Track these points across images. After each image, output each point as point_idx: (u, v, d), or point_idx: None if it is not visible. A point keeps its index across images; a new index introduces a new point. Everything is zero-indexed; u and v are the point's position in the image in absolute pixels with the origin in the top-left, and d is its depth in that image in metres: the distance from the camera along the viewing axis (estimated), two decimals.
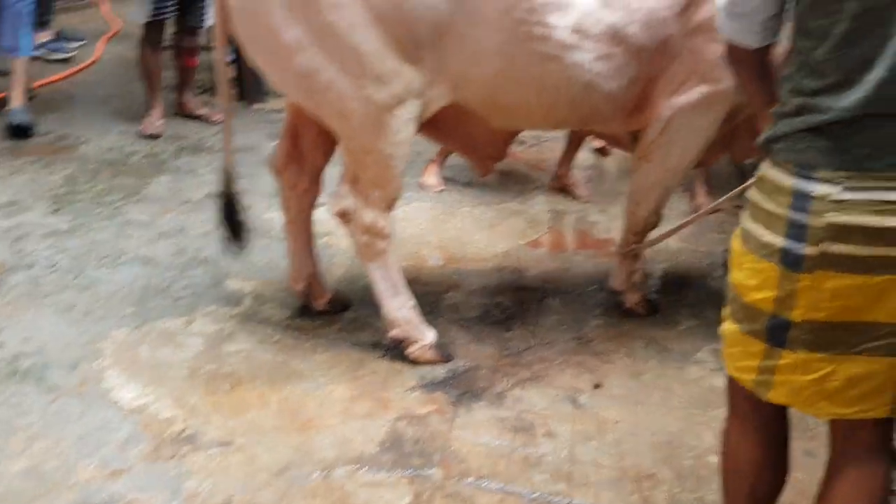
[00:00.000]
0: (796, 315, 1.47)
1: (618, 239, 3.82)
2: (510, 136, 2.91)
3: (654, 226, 3.00)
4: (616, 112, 2.62)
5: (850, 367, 1.48)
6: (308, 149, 2.70)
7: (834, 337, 1.47)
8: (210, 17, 4.92)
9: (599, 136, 3.04)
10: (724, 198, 2.39)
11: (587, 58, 2.39)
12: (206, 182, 4.06)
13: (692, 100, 2.55)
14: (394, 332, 2.65)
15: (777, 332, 1.51)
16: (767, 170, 1.52)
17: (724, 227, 4.06)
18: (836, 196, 1.39)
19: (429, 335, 2.68)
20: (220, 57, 2.57)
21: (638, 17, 2.40)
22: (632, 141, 2.86)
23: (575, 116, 2.61)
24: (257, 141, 4.79)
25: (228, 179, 2.64)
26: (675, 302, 3.30)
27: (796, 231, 1.44)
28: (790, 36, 1.54)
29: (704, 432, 2.47)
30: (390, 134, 2.33)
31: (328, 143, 2.69)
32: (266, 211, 3.79)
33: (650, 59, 2.49)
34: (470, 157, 2.99)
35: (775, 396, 1.56)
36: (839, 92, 1.40)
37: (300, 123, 2.66)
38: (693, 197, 4.17)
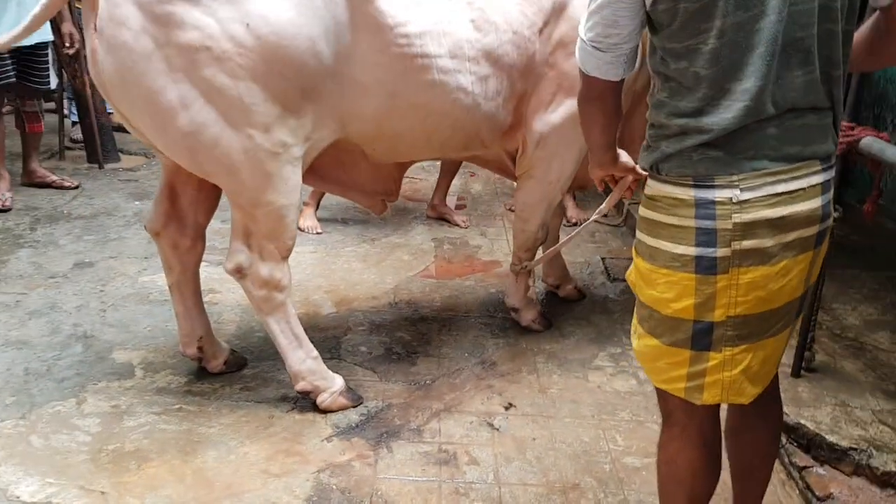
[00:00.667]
0: (718, 315, 1.56)
1: (503, 260, 3.99)
2: (399, 170, 2.95)
3: (542, 240, 3.12)
4: (495, 132, 2.73)
5: (763, 349, 1.61)
6: (188, 207, 2.61)
7: (752, 328, 1.57)
8: (53, 80, 4.68)
9: (480, 162, 3.09)
10: (599, 211, 2.49)
11: (467, 80, 2.48)
12: (70, 252, 3.85)
13: (562, 114, 2.70)
14: (300, 386, 2.59)
15: (702, 337, 1.58)
16: (660, 187, 1.59)
17: (596, 237, 4.29)
18: (736, 198, 1.49)
19: (336, 382, 2.64)
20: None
21: (506, 37, 2.52)
22: (509, 163, 2.97)
23: (459, 139, 2.68)
24: (118, 202, 4.60)
25: None
26: (565, 313, 3.43)
27: (706, 237, 1.52)
28: (653, 63, 1.60)
29: (616, 436, 2.57)
30: (280, 183, 2.30)
31: (209, 199, 2.64)
32: (140, 274, 3.63)
33: (520, 78, 2.63)
34: (362, 199, 2.99)
35: (709, 397, 1.62)
36: (718, 107, 1.50)
37: (177, 182, 2.58)
38: (563, 211, 4.35)
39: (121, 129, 5.91)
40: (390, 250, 4.08)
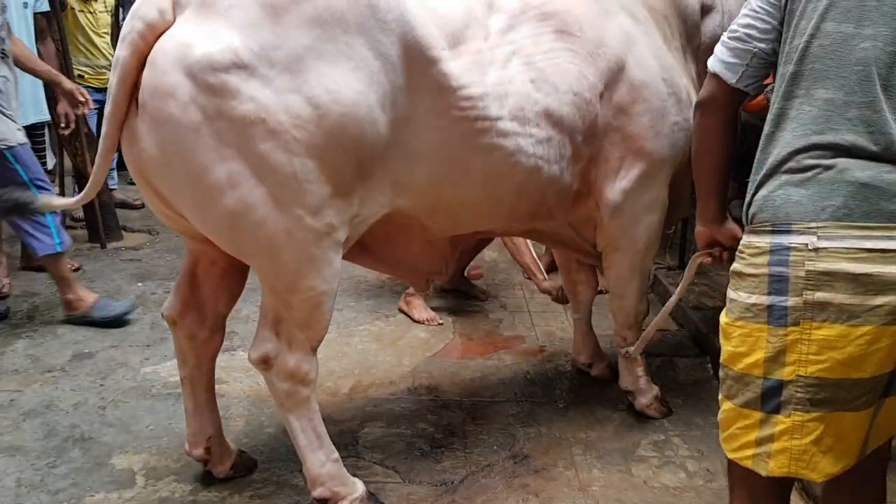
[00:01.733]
0: (788, 372, 1.49)
1: (526, 334, 3.76)
2: (452, 249, 2.73)
3: (645, 313, 2.96)
4: (561, 198, 2.58)
5: (840, 422, 1.50)
6: (209, 295, 2.42)
7: (827, 394, 1.48)
8: (49, 160, 4.54)
9: (549, 240, 2.94)
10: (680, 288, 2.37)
11: (528, 142, 2.34)
12: (69, 342, 3.63)
13: (634, 178, 2.59)
14: (318, 492, 2.34)
15: (771, 397, 1.52)
16: (746, 238, 1.58)
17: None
18: (812, 245, 1.45)
19: (358, 487, 2.39)
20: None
21: (567, 98, 2.39)
22: (578, 238, 2.80)
23: (524, 206, 2.52)
24: (120, 284, 4.41)
25: None
26: (598, 395, 3.19)
27: (778, 285, 1.48)
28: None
29: None
30: (323, 267, 2.11)
31: (232, 288, 2.46)
32: (143, 365, 3.41)
33: (584, 142, 2.50)
34: (408, 276, 2.80)
35: (776, 467, 1.54)
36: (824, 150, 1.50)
37: (200, 268, 2.40)
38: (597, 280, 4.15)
39: (124, 205, 5.79)
40: (406, 328, 3.85)
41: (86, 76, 5.33)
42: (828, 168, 1.48)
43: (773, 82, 1.67)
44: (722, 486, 2.57)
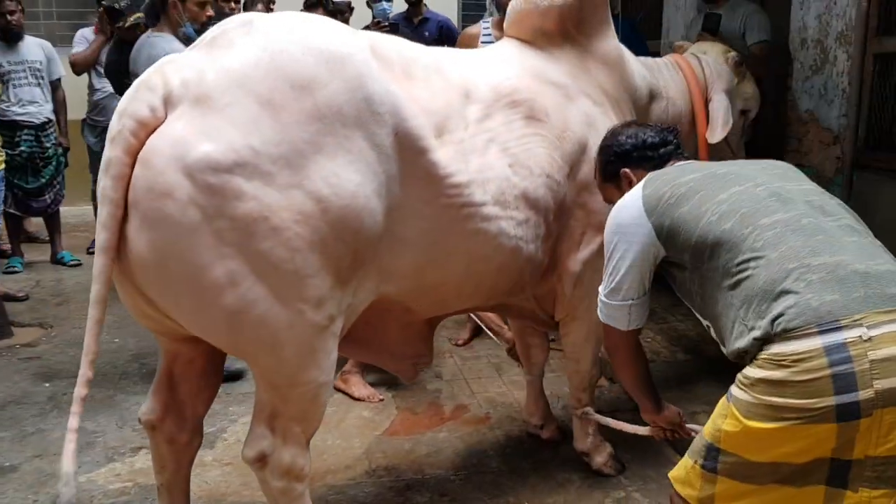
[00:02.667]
0: (857, 453, 1.60)
1: (469, 402, 3.80)
2: (429, 329, 2.76)
3: (597, 377, 3.07)
4: (535, 274, 2.68)
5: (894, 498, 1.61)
6: (188, 396, 2.32)
7: (891, 471, 1.58)
8: None
9: (513, 312, 3.03)
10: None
11: (509, 225, 2.43)
12: None
13: (594, 250, 2.70)
14: None
15: (838, 474, 1.62)
16: (779, 348, 1.61)
17: (553, 365, 4.15)
18: (866, 335, 1.55)
19: None
20: None
21: (541, 181, 2.51)
22: (539, 310, 2.90)
23: (504, 283, 2.61)
24: (25, 387, 4.08)
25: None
26: (554, 458, 3.26)
27: (844, 382, 1.54)
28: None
29: None
30: (323, 358, 2.09)
31: (210, 388, 2.39)
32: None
33: (555, 220, 2.63)
34: (391, 363, 2.78)
35: None
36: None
37: (178, 369, 2.30)
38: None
39: (7, 298, 5.38)
40: (347, 407, 3.78)
41: None
42: (834, 268, 1.65)
43: None
44: None
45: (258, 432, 2.15)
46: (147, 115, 1.86)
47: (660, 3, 6.13)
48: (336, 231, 1.96)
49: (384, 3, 5.58)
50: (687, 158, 2.33)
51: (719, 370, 3.75)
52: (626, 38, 3.12)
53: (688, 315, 4.59)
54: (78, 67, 6.10)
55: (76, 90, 6.55)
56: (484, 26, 4.32)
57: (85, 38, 6.12)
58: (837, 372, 1.54)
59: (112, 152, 1.86)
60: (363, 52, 2.09)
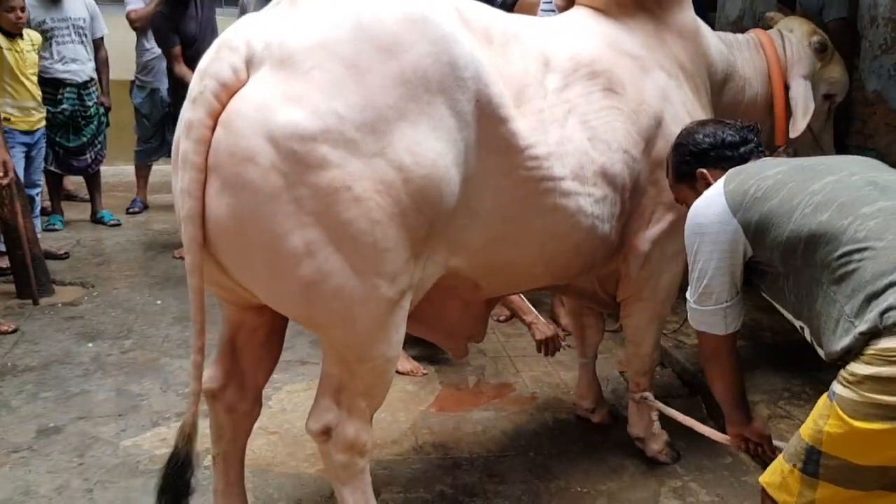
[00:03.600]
0: None
1: (513, 380, 3.72)
2: (487, 309, 2.69)
3: (657, 361, 3.00)
4: (607, 254, 2.59)
5: None
6: (249, 366, 2.27)
7: None
8: None
9: (573, 293, 2.94)
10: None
11: (587, 202, 2.34)
12: (29, 415, 3.31)
13: (660, 228, 2.62)
14: None
15: None
16: (888, 343, 1.54)
17: (601, 347, 4.05)
18: None
19: None
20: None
21: (618, 157, 2.42)
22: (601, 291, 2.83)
23: (579, 264, 2.52)
24: (68, 347, 4.06)
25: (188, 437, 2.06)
26: (605, 442, 3.17)
27: None
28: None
29: None
30: (393, 334, 2.03)
31: (272, 358, 2.34)
32: (120, 438, 3.14)
33: (630, 197, 2.53)
34: (446, 341, 2.73)
35: None
36: None
37: (241, 338, 2.25)
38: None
39: (49, 256, 5.35)
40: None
41: (12, 118, 4.96)
42: None
43: None
44: None
45: (324, 405, 2.09)
46: (229, 77, 1.78)
47: None
48: (416, 202, 1.88)
49: None
50: (767, 156, 2.21)
51: (776, 358, 3.68)
52: None
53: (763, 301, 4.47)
54: (138, 23, 6.03)
55: (122, 51, 6.48)
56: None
57: None
58: None
59: (194, 114, 1.78)
60: (449, 14, 2.00)
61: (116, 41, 6.38)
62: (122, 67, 6.56)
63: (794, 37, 3.19)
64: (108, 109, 6.18)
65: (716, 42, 2.90)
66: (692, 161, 2.25)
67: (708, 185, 2.15)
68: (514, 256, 2.31)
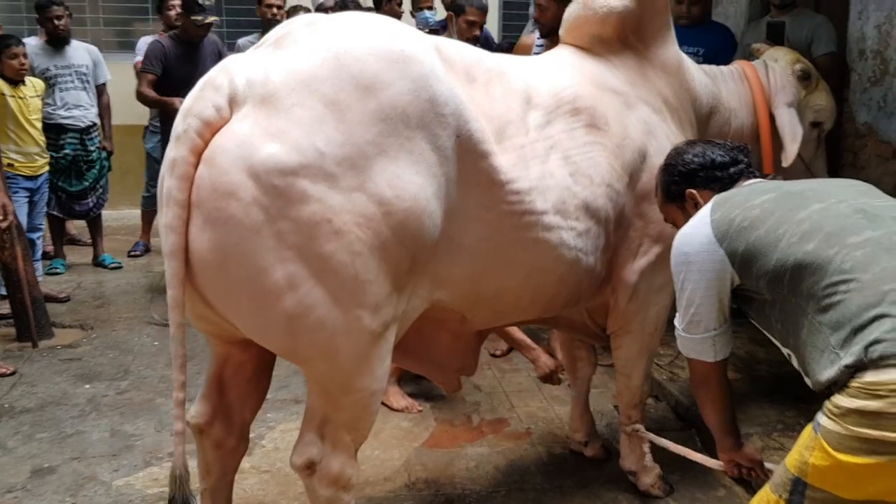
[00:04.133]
0: None
1: (508, 416, 3.72)
2: (478, 341, 2.71)
3: (648, 393, 3.00)
4: (592, 287, 2.63)
5: None
6: (236, 401, 2.30)
7: None
8: None
9: (564, 325, 2.96)
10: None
11: (569, 235, 2.38)
12: (24, 456, 3.31)
13: (651, 260, 2.65)
14: None
15: None
16: (875, 376, 1.54)
17: (595, 381, 4.06)
18: None
19: None
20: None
21: (601, 191, 2.45)
22: (591, 323, 2.85)
23: (563, 296, 2.55)
24: (65, 388, 4.07)
25: (180, 481, 2.09)
26: (599, 477, 3.16)
27: None
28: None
29: None
30: (377, 366, 2.05)
31: (258, 393, 2.37)
32: (114, 478, 3.14)
33: (614, 231, 2.57)
34: (437, 374, 2.76)
35: None
36: None
37: (228, 372, 2.28)
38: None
39: (49, 299, 5.38)
40: (385, 417, 3.71)
41: (16, 164, 5.05)
42: None
43: None
44: None
45: (308, 439, 2.10)
46: (212, 115, 1.84)
47: (709, 12, 6.01)
48: (397, 235, 1.91)
49: (426, 11, 5.56)
50: (757, 177, 2.21)
51: (772, 390, 3.67)
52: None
53: (737, 333, 4.46)
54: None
55: (128, 96, 6.56)
56: (537, 37, 4.25)
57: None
58: None
59: (177, 152, 1.83)
60: (429, 53, 2.05)
61: (123, 86, 6.48)
62: (127, 112, 6.66)
63: (777, 66, 3.25)
64: (110, 154, 6.27)
65: (700, 75, 2.95)
66: (681, 181, 2.23)
67: (697, 206, 2.15)
68: (499, 289, 2.34)
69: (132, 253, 6.73)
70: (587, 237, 2.44)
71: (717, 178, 2.17)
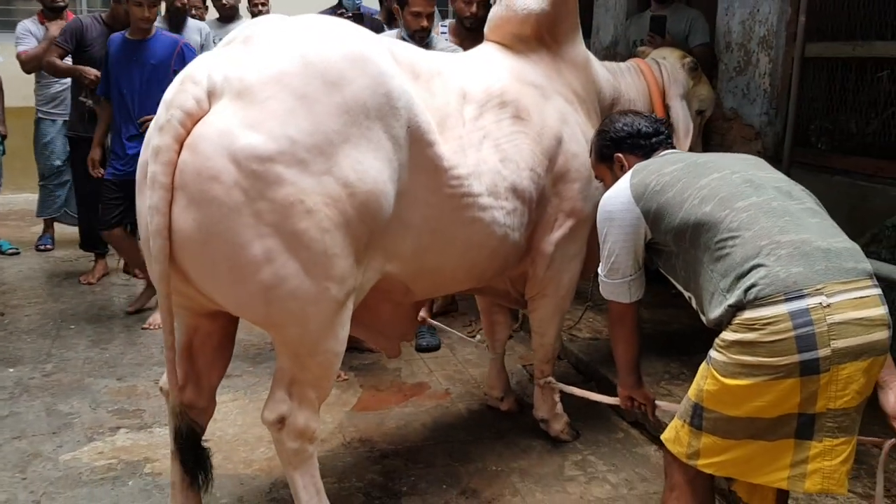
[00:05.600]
0: (819, 407, 1.85)
1: (428, 380, 4.05)
2: (416, 310, 3.00)
3: (559, 349, 3.39)
4: (516, 258, 2.97)
5: (854, 444, 1.91)
6: (204, 368, 2.52)
7: (849, 423, 1.88)
8: None
9: (489, 292, 3.30)
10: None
11: (500, 214, 2.71)
12: None
13: (565, 233, 3.02)
14: None
15: (805, 428, 1.88)
16: (751, 314, 1.88)
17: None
18: (825, 303, 1.82)
19: None
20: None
21: (525, 174, 2.79)
22: (512, 290, 3.20)
23: (494, 268, 2.89)
24: None
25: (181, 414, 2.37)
26: (513, 428, 3.54)
27: (806, 342, 1.82)
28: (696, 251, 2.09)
29: None
30: (340, 330, 2.31)
31: (224, 359, 2.59)
32: (58, 453, 3.25)
33: (535, 209, 2.91)
34: (380, 341, 3.01)
35: (811, 485, 1.90)
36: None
37: (196, 342, 2.49)
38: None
39: None
40: None
41: None
42: (800, 244, 1.92)
43: None
44: (642, 492, 3.03)
45: (278, 397, 2.35)
46: (193, 106, 2.05)
47: (590, 5, 6.47)
48: (359, 213, 2.19)
49: None
50: (673, 148, 2.58)
51: (658, 346, 4.17)
52: None
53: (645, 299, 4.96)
54: (29, 65, 5.79)
55: (20, 78, 6.36)
56: (442, 30, 4.55)
57: (29, 31, 5.91)
58: (800, 333, 1.81)
59: (161, 140, 2.03)
60: (384, 53, 2.34)
61: (14, 68, 6.30)
62: (19, 95, 6.50)
63: (668, 63, 3.71)
64: (3, 137, 6.12)
65: (603, 71, 3.36)
66: (611, 146, 2.59)
67: (623, 168, 2.50)
68: (440, 263, 2.65)
69: (41, 247, 6.53)
70: (514, 215, 2.78)
71: (641, 145, 2.54)
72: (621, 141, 2.57)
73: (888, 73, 3.90)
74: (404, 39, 4.04)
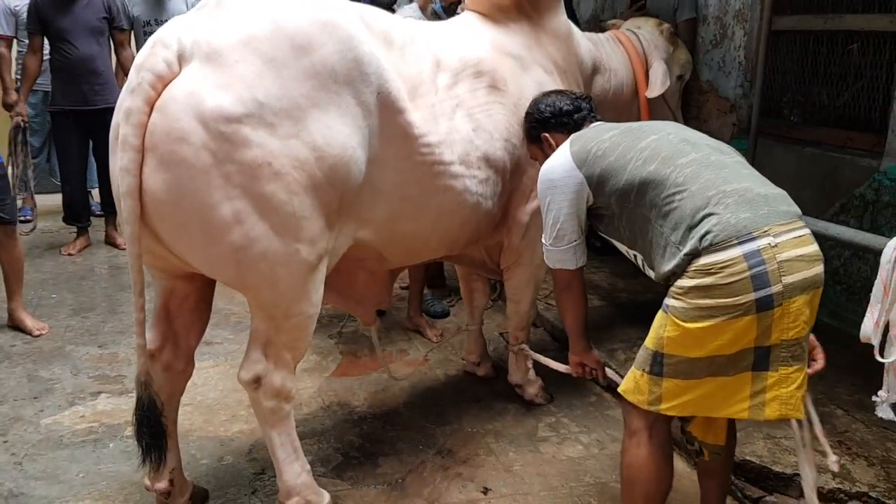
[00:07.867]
0: (774, 339, 1.97)
1: (407, 348, 4.12)
2: (391, 278, 3.04)
3: (533, 317, 3.43)
4: (490, 227, 3.01)
5: (803, 371, 2.04)
6: (182, 328, 2.55)
7: (801, 351, 2.01)
8: None
9: (466, 261, 3.36)
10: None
11: (472, 182, 2.74)
12: None
13: (538, 202, 2.98)
14: (293, 502, 2.54)
15: (761, 360, 1.99)
16: (707, 259, 1.97)
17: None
18: (773, 243, 1.94)
19: (325, 496, 2.60)
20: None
21: (499, 144, 2.84)
22: (488, 259, 3.26)
23: (466, 236, 2.93)
24: None
25: (145, 384, 2.31)
26: (489, 392, 3.63)
27: (760, 280, 1.93)
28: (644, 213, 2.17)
29: (591, 500, 2.79)
30: (313, 293, 2.34)
31: (202, 321, 2.61)
32: (39, 417, 3.31)
33: (510, 179, 2.95)
34: (356, 308, 3.04)
35: (770, 412, 2.01)
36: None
37: (173, 304, 2.52)
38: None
39: None
40: None
41: None
42: (743, 192, 2.03)
43: None
44: (613, 452, 3.12)
45: (254, 357, 2.40)
46: (163, 69, 2.07)
47: None
48: (328, 177, 2.22)
49: None
50: (600, 121, 2.66)
51: (631, 314, 4.26)
52: None
53: (599, 268, 5.06)
54: None
55: None
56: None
57: None
58: (755, 273, 1.91)
59: (132, 102, 2.05)
60: (354, 19, 2.36)
61: None
62: None
63: (644, 32, 3.76)
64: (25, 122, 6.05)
65: (584, 41, 3.39)
66: (538, 126, 2.69)
67: (552, 146, 2.59)
68: (412, 230, 2.70)
69: (22, 219, 6.48)
70: (487, 184, 2.82)
71: (565, 123, 2.64)
72: (546, 121, 2.68)
73: (858, 45, 3.96)
74: (436, 13, 4.11)
